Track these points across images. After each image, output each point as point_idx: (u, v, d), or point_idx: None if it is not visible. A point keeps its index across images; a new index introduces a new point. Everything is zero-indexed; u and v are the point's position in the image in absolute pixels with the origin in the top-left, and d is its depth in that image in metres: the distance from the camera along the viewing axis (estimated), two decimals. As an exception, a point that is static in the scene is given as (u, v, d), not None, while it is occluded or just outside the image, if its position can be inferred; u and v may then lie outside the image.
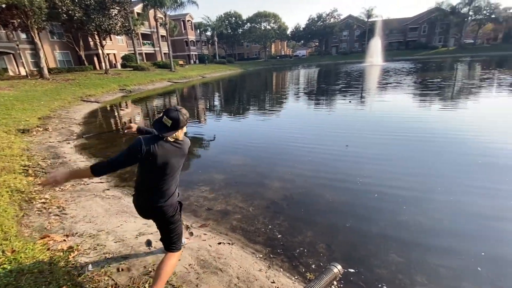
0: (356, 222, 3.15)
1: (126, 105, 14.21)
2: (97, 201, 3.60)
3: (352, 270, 2.43)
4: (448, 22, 51.32)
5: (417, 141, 5.78)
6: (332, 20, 58.24)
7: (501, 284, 2.24)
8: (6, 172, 4.03)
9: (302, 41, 65.57)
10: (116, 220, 3.06)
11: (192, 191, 3.98)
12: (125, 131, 2.24)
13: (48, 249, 2.42)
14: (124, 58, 30.22)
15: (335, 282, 2.26)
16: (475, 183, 3.87)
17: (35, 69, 21.36)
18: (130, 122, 9.74)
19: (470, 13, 49.44)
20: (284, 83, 22.00)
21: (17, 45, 20.05)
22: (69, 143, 6.59)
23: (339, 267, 2.35)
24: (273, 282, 2.19)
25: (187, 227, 2.95)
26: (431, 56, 46.29)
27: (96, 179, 4.49)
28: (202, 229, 3.00)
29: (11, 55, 21.35)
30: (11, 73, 20.91)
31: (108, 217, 3.14)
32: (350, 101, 11.11)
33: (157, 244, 2.47)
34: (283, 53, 71.98)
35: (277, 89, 18.10)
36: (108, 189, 4.07)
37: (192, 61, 47.51)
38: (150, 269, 2.21)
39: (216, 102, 14.22)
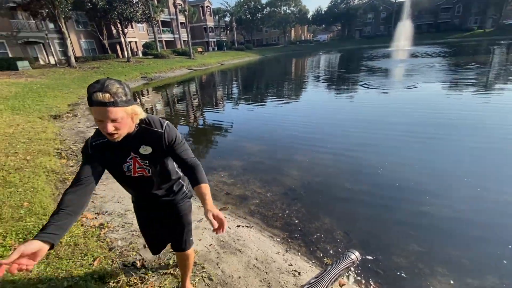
0: (375, 211, 3.11)
1: (148, 92, 14.60)
2: (123, 183, 3.80)
3: (370, 257, 2.43)
4: (486, 1, 46.96)
5: (440, 138, 5.50)
6: (356, 1, 55.31)
7: (529, 278, 2.15)
8: (42, 155, 4.35)
9: (323, 25, 63.12)
10: (142, 201, 3.24)
11: (212, 175, 4.09)
12: None
13: (82, 225, 2.62)
14: (145, 46, 30.74)
15: (352, 268, 2.27)
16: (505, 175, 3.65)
17: (63, 57, 22.35)
18: (152, 109, 10.02)
19: (513, -11, 44.80)
20: (303, 70, 21.48)
21: (46, 35, 20.98)
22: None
23: (357, 253, 2.33)
24: (291, 265, 2.25)
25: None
26: (465, 39, 42.82)
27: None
28: (222, 212, 3.10)
29: (41, 44, 22.42)
30: (41, 62, 22.06)
31: (134, 198, 3.33)
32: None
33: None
34: (303, 38, 69.77)
35: (296, 77, 17.72)
36: (133, 172, 4.28)
37: (210, 48, 47.40)
38: (173, 247, 2.34)
39: (235, 90, 14.22)
